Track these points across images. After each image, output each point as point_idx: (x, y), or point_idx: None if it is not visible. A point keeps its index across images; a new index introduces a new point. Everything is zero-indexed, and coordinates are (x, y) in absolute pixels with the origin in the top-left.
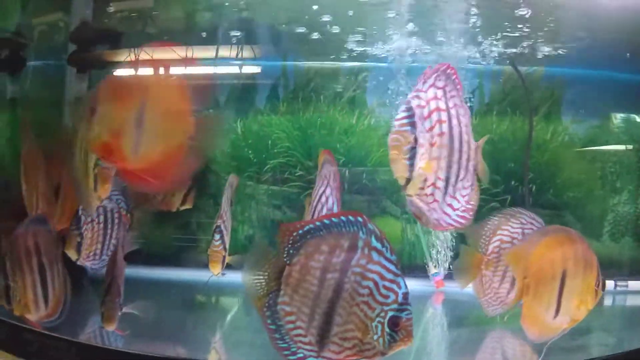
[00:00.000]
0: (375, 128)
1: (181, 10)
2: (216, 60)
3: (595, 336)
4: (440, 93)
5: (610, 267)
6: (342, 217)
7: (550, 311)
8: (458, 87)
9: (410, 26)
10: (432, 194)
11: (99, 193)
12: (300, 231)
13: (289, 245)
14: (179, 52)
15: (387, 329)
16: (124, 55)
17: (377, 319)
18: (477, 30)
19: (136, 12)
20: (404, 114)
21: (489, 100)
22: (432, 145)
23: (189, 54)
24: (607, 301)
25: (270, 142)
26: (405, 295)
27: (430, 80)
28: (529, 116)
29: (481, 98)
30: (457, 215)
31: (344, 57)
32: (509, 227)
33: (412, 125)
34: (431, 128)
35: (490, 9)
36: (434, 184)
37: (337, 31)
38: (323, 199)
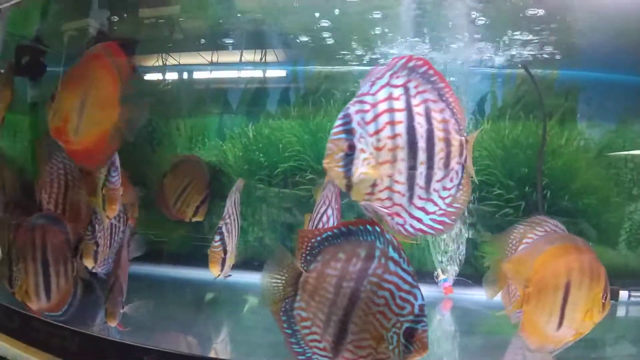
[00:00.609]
0: None
1: (196, 18)
2: (225, 65)
3: (608, 348)
4: (398, 92)
5: (626, 277)
6: (360, 226)
7: (552, 322)
8: (432, 79)
9: (420, 30)
10: (389, 198)
11: (107, 212)
12: (318, 238)
13: (307, 252)
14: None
15: (402, 340)
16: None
17: (393, 329)
18: (489, 33)
19: (154, 19)
20: (339, 122)
21: (501, 104)
22: (379, 149)
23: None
24: (621, 312)
25: (281, 145)
26: (422, 307)
27: (383, 80)
28: (542, 120)
29: (494, 102)
30: (433, 220)
31: (354, 61)
32: (533, 236)
33: (348, 132)
34: (377, 131)
35: (501, 11)
36: (389, 188)
37: (346, 36)
38: (324, 218)
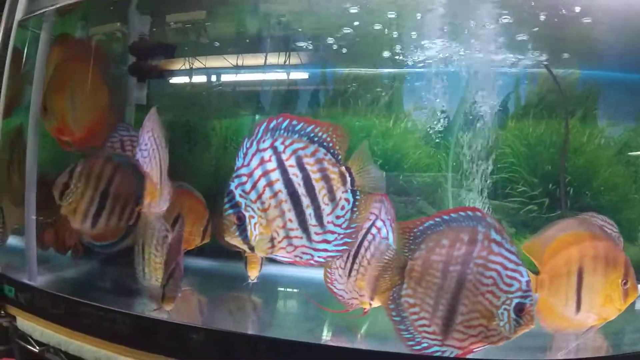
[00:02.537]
0: (411, 131)
1: (228, 22)
2: (260, 68)
3: (627, 339)
4: (267, 154)
5: None
6: (461, 212)
7: (569, 306)
8: (297, 128)
9: (444, 32)
10: (290, 244)
11: None
12: (421, 227)
13: (410, 241)
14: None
15: (513, 315)
16: (178, 65)
17: (503, 306)
18: (512, 33)
19: (188, 24)
20: (226, 199)
21: (525, 104)
22: (265, 210)
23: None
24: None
25: None
26: (528, 283)
27: (252, 149)
28: (564, 119)
29: (517, 102)
30: (337, 245)
31: (381, 63)
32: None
33: (234, 206)
34: (259, 197)
35: (524, 12)
36: (287, 237)
37: (373, 39)
38: (369, 235)
